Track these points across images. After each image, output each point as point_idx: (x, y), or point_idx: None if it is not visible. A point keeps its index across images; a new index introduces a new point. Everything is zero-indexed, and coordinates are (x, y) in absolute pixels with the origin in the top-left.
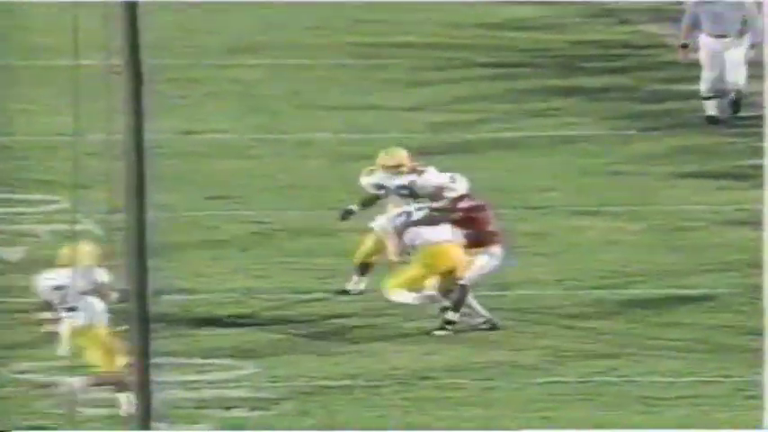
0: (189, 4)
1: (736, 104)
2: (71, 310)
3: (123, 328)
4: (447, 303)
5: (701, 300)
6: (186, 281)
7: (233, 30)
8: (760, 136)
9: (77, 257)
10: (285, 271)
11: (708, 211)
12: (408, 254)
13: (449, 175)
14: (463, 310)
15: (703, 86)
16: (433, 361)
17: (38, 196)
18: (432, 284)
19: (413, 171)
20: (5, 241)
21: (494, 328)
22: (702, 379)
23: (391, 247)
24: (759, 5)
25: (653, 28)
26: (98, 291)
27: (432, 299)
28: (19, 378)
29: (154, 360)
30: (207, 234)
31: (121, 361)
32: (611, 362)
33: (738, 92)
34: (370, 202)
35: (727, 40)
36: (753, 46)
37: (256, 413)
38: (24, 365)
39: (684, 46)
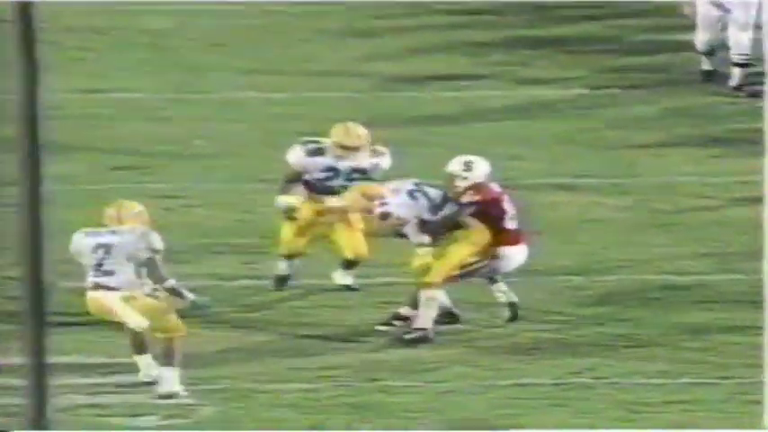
0: None
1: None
2: (107, 274)
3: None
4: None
5: (695, 288)
6: None
7: None
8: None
9: (125, 217)
10: (204, 253)
11: (701, 184)
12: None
13: (463, 160)
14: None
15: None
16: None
17: None
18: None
19: (373, 153)
20: None
21: (453, 321)
22: (695, 381)
23: (411, 232)
24: None
25: None
26: (149, 257)
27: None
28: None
29: (50, 359)
30: None
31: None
32: (586, 361)
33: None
34: (294, 180)
35: None
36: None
37: (172, 421)
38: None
39: None
